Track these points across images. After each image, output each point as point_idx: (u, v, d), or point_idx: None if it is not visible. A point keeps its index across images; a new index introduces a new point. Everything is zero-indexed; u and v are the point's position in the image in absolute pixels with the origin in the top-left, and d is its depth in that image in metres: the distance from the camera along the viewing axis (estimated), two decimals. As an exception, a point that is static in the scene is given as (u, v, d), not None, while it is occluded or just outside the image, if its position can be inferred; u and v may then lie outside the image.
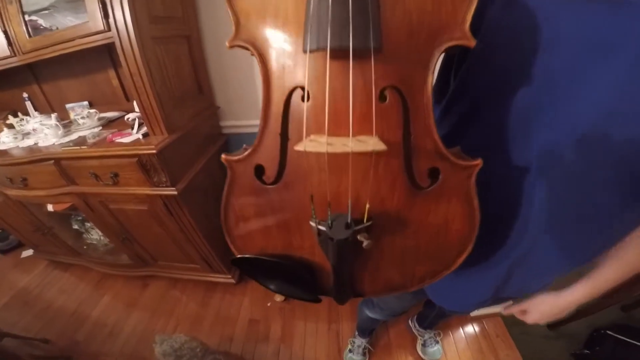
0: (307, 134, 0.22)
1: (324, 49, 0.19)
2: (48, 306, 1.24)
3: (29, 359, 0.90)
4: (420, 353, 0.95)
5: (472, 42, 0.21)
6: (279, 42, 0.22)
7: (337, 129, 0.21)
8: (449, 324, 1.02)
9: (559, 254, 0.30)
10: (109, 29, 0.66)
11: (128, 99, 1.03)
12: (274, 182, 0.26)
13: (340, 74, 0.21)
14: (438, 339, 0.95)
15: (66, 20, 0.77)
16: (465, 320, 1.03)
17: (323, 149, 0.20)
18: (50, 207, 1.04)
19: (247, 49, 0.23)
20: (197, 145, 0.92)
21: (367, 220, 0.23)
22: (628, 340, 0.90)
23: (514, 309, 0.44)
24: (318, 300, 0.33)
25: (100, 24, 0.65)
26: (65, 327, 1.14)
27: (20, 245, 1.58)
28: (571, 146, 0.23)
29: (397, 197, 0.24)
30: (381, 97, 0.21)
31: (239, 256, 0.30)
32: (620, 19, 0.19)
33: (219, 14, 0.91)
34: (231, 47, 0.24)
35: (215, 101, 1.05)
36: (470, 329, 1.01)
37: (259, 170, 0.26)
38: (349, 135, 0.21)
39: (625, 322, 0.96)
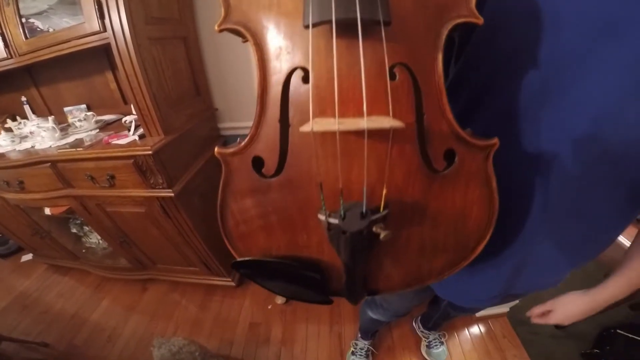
0: (312, 116, 0.20)
1: (328, 22, 0.18)
2: (47, 310, 1.23)
3: (26, 364, 0.88)
4: (425, 355, 0.93)
5: (479, 20, 0.20)
6: (275, 21, 0.21)
7: (346, 110, 0.20)
8: (454, 325, 1.00)
9: (563, 249, 0.29)
10: (105, 30, 0.65)
11: (126, 102, 1.02)
12: (275, 174, 0.24)
13: (346, 50, 0.19)
14: (443, 340, 0.93)
15: (62, 22, 0.77)
16: (471, 321, 1.01)
17: (334, 127, 0.18)
18: (47, 211, 1.03)
19: (238, 32, 0.22)
20: (195, 147, 0.91)
21: (384, 209, 0.21)
22: None
23: (537, 310, 0.43)
24: (329, 302, 0.31)
25: (95, 25, 0.65)
26: (64, 331, 1.13)
27: (20, 250, 1.57)
28: (582, 134, 0.22)
29: (413, 182, 0.23)
30: (390, 75, 0.20)
31: (239, 260, 0.28)
32: None
33: (216, 15, 0.90)
34: (220, 30, 0.22)
35: (213, 103, 1.04)
36: (476, 329, 0.99)
37: (258, 163, 0.24)
38: (359, 116, 0.19)
39: (635, 321, 0.94)
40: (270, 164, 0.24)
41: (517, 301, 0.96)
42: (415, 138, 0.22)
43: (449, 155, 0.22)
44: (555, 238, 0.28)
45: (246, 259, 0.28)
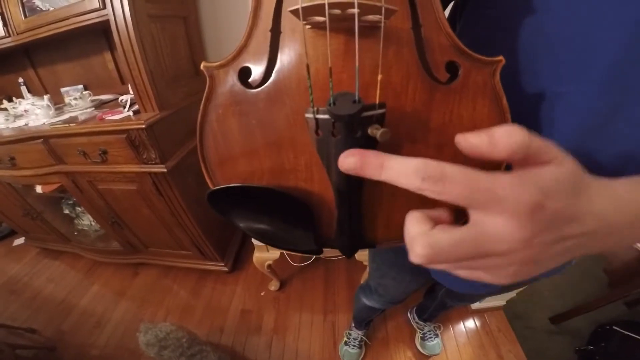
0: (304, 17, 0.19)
1: None
2: (36, 295, 1.21)
3: (8, 349, 0.86)
4: (419, 347, 0.91)
5: None
6: None
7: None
8: (449, 317, 0.98)
9: None
10: (104, 7, 0.66)
11: (123, 82, 1.01)
12: (262, 83, 0.22)
13: None
14: (438, 332, 0.91)
15: (62, 1, 0.77)
16: (466, 313, 0.99)
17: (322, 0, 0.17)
18: (39, 189, 1.02)
19: None
20: (191, 125, 0.90)
21: (380, 107, 0.19)
22: (635, 336, 0.86)
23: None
24: (319, 252, 0.28)
25: (95, 2, 0.66)
26: (52, 316, 1.11)
27: (13, 234, 1.55)
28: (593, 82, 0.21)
29: (413, 88, 0.21)
30: None
31: (218, 187, 0.25)
32: None
33: (217, -2, 0.90)
34: None
35: (211, 84, 1.04)
36: (472, 323, 0.97)
37: (244, 73, 0.23)
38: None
39: (630, 318, 0.93)
40: (258, 73, 0.22)
41: (514, 294, 0.95)
42: (412, 43, 0.20)
43: (452, 68, 0.21)
44: None
45: (226, 185, 0.25)
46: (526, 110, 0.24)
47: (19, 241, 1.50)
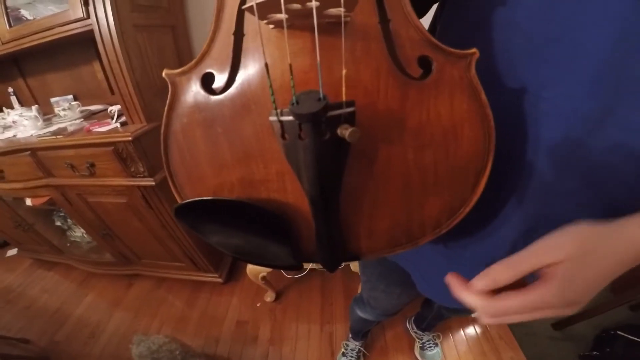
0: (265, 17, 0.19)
1: None
2: (30, 305, 1.20)
3: (1, 360, 0.85)
4: (418, 356, 0.89)
5: None
6: None
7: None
8: (448, 325, 0.96)
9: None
10: (88, 17, 0.65)
11: (113, 92, 1.00)
12: (226, 89, 0.21)
13: None
14: (437, 341, 0.90)
15: (47, 10, 0.77)
16: (466, 321, 0.98)
17: None
18: (29, 202, 1.00)
19: None
20: (181, 136, 0.88)
21: (348, 105, 0.17)
22: (640, 341, 0.84)
23: (501, 276, 0.27)
24: (299, 267, 0.27)
25: (79, 12, 0.65)
26: (46, 326, 1.09)
27: (6, 245, 1.54)
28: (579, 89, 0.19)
29: (385, 85, 0.20)
30: None
31: (186, 201, 0.23)
32: None
33: (207, 5, 0.89)
34: None
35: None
36: (472, 330, 0.95)
37: (208, 80, 0.22)
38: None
39: (635, 322, 0.91)
40: (222, 79, 0.22)
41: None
42: (381, 38, 0.19)
43: (425, 63, 0.20)
44: (551, 215, 0.24)
45: (193, 200, 0.23)
46: (509, 113, 0.22)
47: (12, 252, 1.48)
